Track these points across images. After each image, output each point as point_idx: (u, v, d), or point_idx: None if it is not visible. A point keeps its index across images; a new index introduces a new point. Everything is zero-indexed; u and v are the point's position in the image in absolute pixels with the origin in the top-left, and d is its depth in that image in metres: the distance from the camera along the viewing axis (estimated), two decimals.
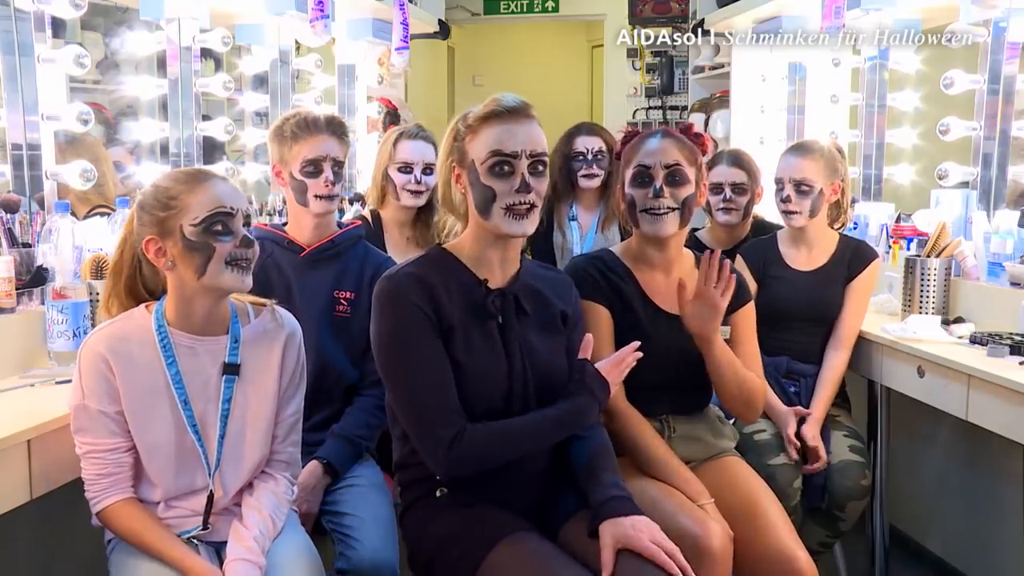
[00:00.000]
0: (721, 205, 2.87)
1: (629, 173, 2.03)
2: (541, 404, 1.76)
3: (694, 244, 2.86)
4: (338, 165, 2.19)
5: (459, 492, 1.76)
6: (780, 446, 2.43)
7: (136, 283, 1.75)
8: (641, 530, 1.65)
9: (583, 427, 1.79)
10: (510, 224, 1.71)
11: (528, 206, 1.71)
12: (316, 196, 2.17)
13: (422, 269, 1.75)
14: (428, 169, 2.75)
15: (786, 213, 2.63)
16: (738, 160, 2.91)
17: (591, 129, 3.28)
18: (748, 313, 2.09)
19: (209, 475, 1.71)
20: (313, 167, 2.16)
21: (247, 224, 1.71)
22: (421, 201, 2.77)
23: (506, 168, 1.70)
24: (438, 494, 1.76)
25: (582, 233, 3.28)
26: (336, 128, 2.20)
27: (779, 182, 2.63)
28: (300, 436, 1.85)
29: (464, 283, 1.75)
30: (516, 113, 1.72)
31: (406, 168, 2.74)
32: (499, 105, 1.72)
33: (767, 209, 3.15)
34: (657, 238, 2.01)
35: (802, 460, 2.43)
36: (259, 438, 1.76)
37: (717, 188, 2.86)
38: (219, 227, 1.65)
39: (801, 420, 2.47)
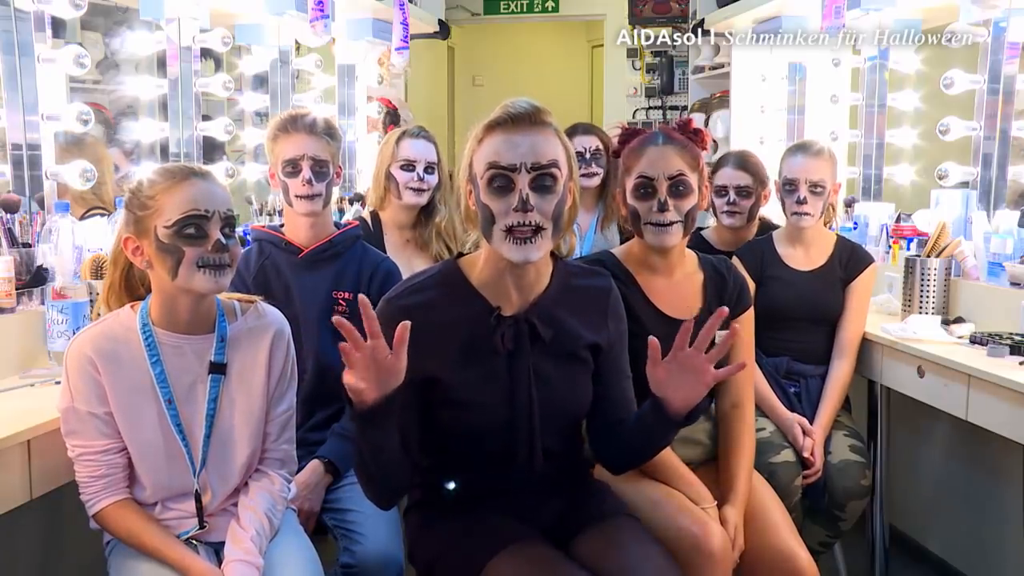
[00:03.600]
0: (725, 208, 2.85)
1: (631, 183, 1.97)
2: (548, 439, 1.66)
3: (699, 244, 2.85)
4: (320, 164, 2.16)
5: (466, 497, 1.71)
6: (781, 444, 2.43)
7: (132, 279, 1.75)
8: None
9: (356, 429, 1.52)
10: (511, 250, 1.55)
11: (531, 228, 1.54)
12: (297, 196, 2.16)
13: (422, 296, 1.62)
14: (430, 168, 2.75)
15: (799, 214, 2.60)
16: (744, 163, 2.88)
17: (587, 128, 3.28)
18: (748, 319, 2.08)
19: (193, 475, 1.70)
20: (292, 167, 2.16)
21: (229, 225, 1.68)
22: (423, 200, 2.76)
23: (505, 183, 1.55)
24: (451, 487, 1.71)
25: (581, 234, 3.27)
26: (313, 126, 2.17)
27: (792, 183, 2.60)
28: (294, 433, 1.84)
29: (472, 313, 1.63)
30: (521, 120, 1.56)
31: (408, 166, 2.74)
32: (504, 112, 1.58)
33: (769, 210, 3.15)
34: (662, 249, 1.99)
35: (802, 466, 2.43)
36: (247, 437, 1.75)
37: (722, 191, 2.84)
38: (190, 230, 1.63)
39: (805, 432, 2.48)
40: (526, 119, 1.57)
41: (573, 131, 3.24)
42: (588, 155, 3.19)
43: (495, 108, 1.61)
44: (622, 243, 2.51)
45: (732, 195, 2.83)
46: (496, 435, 1.65)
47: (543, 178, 1.56)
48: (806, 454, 2.42)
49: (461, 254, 1.71)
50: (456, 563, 1.66)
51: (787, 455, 2.40)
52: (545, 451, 1.68)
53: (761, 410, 2.48)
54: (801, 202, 2.58)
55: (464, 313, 1.63)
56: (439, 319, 1.61)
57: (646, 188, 1.95)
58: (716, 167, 2.92)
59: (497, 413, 1.64)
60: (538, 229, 1.55)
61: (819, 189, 2.58)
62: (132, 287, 1.76)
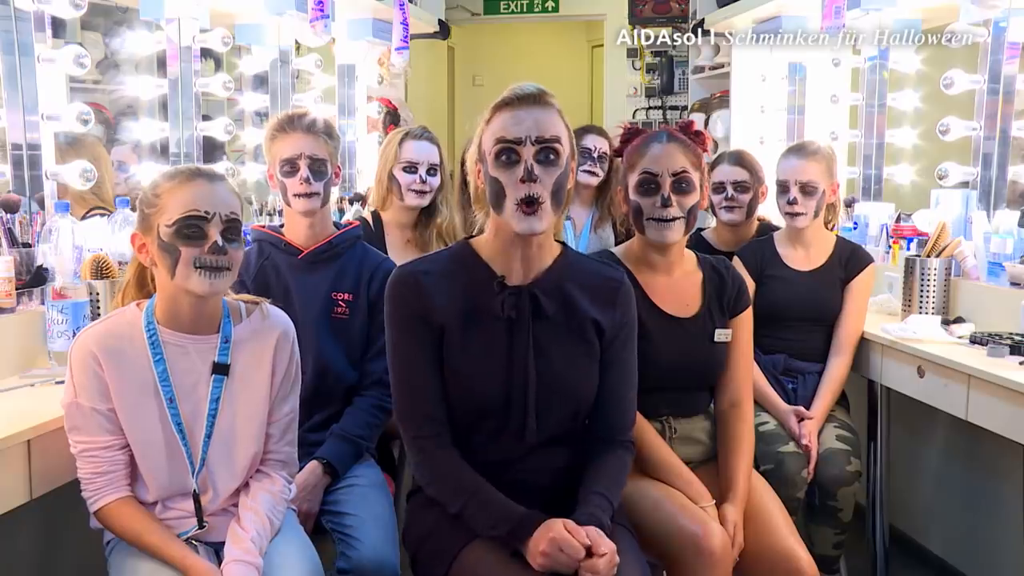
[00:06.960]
0: (724, 204, 2.87)
1: (634, 179, 1.99)
2: (543, 410, 1.69)
3: (699, 244, 2.86)
4: (318, 163, 2.15)
5: None
6: (787, 435, 2.45)
7: (145, 276, 1.76)
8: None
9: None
10: (520, 221, 1.62)
11: (535, 199, 1.61)
12: (295, 195, 2.16)
13: (433, 265, 1.72)
14: (432, 170, 2.76)
15: (791, 215, 2.63)
16: (740, 159, 2.92)
17: (600, 131, 3.35)
18: (747, 318, 2.09)
19: (192, 475, 1.70)
20: (290, 166, 2.15)
21: (232, 229, 1.67)
22: (425, 201, 2.77)
23: (512, 156, 1.63)
24: None
25: (576, 231, 3.29)
26: (310, 125, 2.17)
27: (783, 184, 2.64)
28: (296, 435, 1.84)
29: (477, 280, 1.69)
30: (526, 99, 1.65)
31: (411, 168, 2.74)
32: (511, 93, 1.67)
33: (768, 211, 3.15)
34: (663, 245, 2.01)
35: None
36: (250, 439, 1.75)
37: (719, 187, 2.87)
38: (189, 231, 1.63)
39: (801, 420, 2.48)
40: (531, 98, 1.66)
41: (586, 131, 3.29)
42: (596, 154, 3.23)
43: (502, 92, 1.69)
44: (617, 244, 2.52)
45: (730, 190, 2.86)
46: (492, 402, 1.68)
47: (548, 152, 1.63)
48: (804, 442, 2.43)
49: (471, 236, 1.77)
50: (435, 549, 1.70)
51: (795, 446, 2.43)
52: (542, 430, 1.69)
53: (762, 406, 2.50)
54: (792, 203, 2.61)
55: (470, 280, 1.69)
56: (447, 284, 1.69)
57: (650, 184, 1.97)
58: (713, 165, 2.94)
59: (495, 379, 1.68)
60: (538, 201, 1.62)
61: (810, 189, 2.61)
62: (144, 283, 1.76)
